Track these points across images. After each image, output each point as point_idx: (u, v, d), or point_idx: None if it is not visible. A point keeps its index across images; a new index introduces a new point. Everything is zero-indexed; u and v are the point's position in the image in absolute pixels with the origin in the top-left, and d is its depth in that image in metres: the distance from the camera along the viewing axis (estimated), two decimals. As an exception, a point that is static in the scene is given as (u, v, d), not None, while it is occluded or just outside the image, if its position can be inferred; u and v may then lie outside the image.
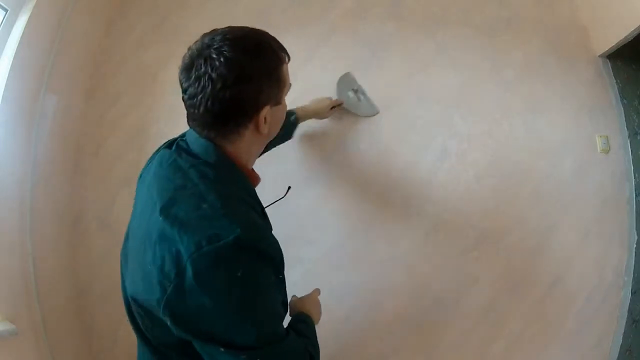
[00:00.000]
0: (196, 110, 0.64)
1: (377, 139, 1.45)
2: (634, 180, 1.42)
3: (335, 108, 1.39)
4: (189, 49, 0.66)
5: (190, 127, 0.70)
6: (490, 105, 1.45)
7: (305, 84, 1.42)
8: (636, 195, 1.42)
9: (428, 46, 1.48)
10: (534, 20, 1.49)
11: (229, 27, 0.67)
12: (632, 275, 1.38)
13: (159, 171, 0.69)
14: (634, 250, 1.39)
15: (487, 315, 1.38)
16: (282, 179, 1.41)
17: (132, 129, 1.49)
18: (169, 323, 0.59)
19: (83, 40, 1.46)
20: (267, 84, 0.67)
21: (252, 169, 0.78)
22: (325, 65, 1.48)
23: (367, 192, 1.44)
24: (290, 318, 0.84)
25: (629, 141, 1.44)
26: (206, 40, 0.65)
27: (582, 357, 1.37)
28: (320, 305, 0.95)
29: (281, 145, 1.26)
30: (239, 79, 0.62)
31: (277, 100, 0.71)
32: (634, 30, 1.25)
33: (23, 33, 1.17)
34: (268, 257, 0.63)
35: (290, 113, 1.23)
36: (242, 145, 0.69)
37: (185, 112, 0.68)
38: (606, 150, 1.44)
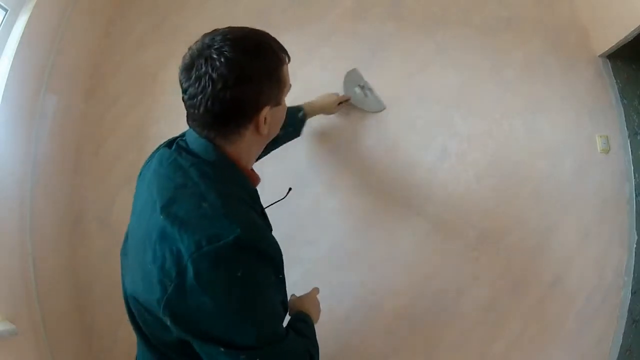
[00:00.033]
0: (196, 111, 0.64)
1: (377, 139, 1.45)
2: (634, 180, 1.42)
3: (343, 104, 1.39)
4: (189, 49, 0.66)
5: (190, 127, 0.70)
6: (490, 105, 1.45)
7: (305, 84, 1.42)
8: (636, 195, 1.42)
9: (428, 46, 1.48)
10: (534, 20, 1.49)
11: (229, 27, 0.67)
12: (632, 275, 1.38)
13: (159, 169, 0.69)
14: (634, 250, 1.39)
15: (487, 315, 1.38)
16: (281, 179, 1.41)
17: (132, 129, 1.49)
18: (168, 323, 0.59)
19: (83, 40, 1.46)
20: (267, 84, 0.67)
21: (252, 169, 0.78)
22: (325, 65, 1.48)
23: (367, 192, 1.44)
24: (289, 317, 0.83)
25: (629, 141, 1.44)
26: (207, 40, 0.65)
27: (582, 357, 1.37)
28: (319, 304, 0.95)
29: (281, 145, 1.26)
30: (239, 79, 0.62)
31: (277, 101, 0.71)
32: (634, 30, 1.25)
33: (23, 33, 1.17)
34: (268, 257, 0.63)
35: (298, 109, 1.23)
36: (242, 145, 0.69)
37: (185, 112, 0.68)
38: (606, 150, 1.44)
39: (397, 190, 1.43)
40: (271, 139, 0.76)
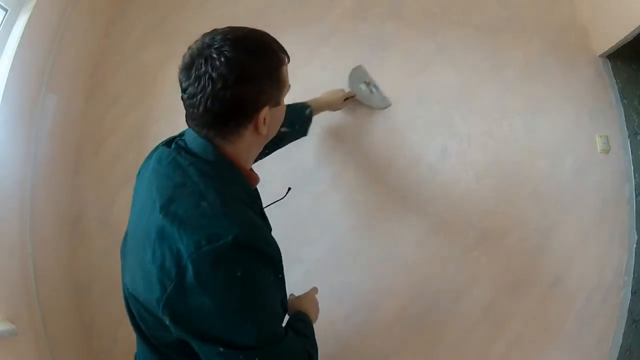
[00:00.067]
0: (195, 110, 0.64)
1: (377, 139, 1.45)
2: (634, 180, 1.42)
3: (349, 100, 1.39)
4: (189, 48, 0.66)
5: (189, 127, 0.70)
6: (490, 105, 1.45)
7: (305, 84, 1.41)
8: (636, 195, 1.42)
9: (428, 46, 1.48)
10: (534, 20, 1.49)
11: (229, 27, 0.67)
12: (632, 275, 1.38)
13: (158, 168, 0.69)
14: (634, 250, 1.39)
15: (487, 315, 1.38)
16: (281, 179, 1.41)
17: (132, 129, 1.49)
18: (167, 322, 0.59)
19: (83, 40, 1.46)
20: (267, 84, 0.67)
21: (251, 169, 0.78)
22: (325, 65, 1.48)
23: (367, 191, 1.44)
24: (288, 317, 0.83)
25: (629, 141, 1.44)
26: (207, 39, 0.65)
27: (582, 357, 1.37)
28: (317, 304, 0.94)
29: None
30: (239, 79, 0.62)
31: (277, 102, 0.71)
32: (634, 30, 1.25)
33: (23, 33, 1.17)
34: (267, 257, 0.63)
35: (305, 106, 1.22)
36: (241, 145, 0.69)
37: (185, 111, 0.68)
38: (606, 150, 1.44)
39: (397, 190, 1.43)
40: (270, 139, 0.76)
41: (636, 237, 1.40)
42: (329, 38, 1.50)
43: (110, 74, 1.52)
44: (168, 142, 0.75)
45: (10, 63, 1.14)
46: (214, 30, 0.67)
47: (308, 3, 1.52)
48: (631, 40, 1.31)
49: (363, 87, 1.44)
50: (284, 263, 0.68)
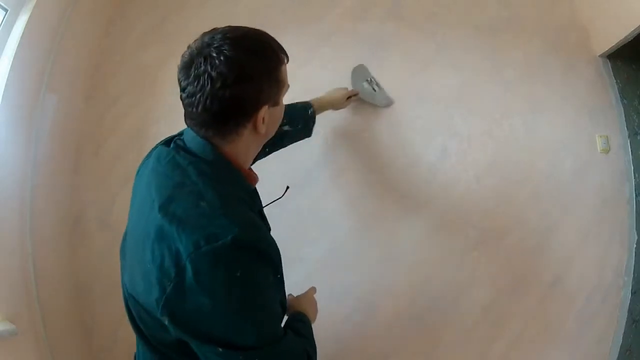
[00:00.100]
0: (194, 109, 0.64)
1: (377, 139, 1.45)
2: (634, 180, 1.42)
3: (352, 98, 1.38)
4: (189, 47, 0.66)
5: (188, 126, 0.70)
6: (490, 105, 1.45)
7: (305, 84, 1.41)
8: (636, 195, 1.42)
9: (428, 46, 1.48)
10: (534, 20, 1.49)
11: (228, 26, 0.67)
12: (632, 275, 1.38)
13: (157, 168, 0.69)
14: (634, 250, 1.39)
15: (487, 315, 1.38)
16: (281, 179, 1.40)
17: (132, 129, 1.49)
18: (166, 323, 0.59)
19: (83, 40, 1.46)
20: (267, 84, 0.67)
21: (250, 169, 0.78)
22: (325, 65, 1.48)
23: (367, 192, 1.44)
24: (286, 317, 0.83)
25: (629, 141, 1.44)
26: (206, 39, 0.64)
27: (582, 357, 1.37)
28: (316, 304, 0.94)
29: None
30: (239, 78, 0.62)
31: (276, 101, 0.71)
32: (634, 30, 1.25)
33: (23, 33, 1.17)
34: (266, 257, 0.63)
35: (307, 106, 1.21)
36: (240, 145, 0.69)
37: (184, 111, 0.68)
38: (606, 150, 1.44)
39: (397, 190, 1.43)
40: (269, 138, 0.76)
41: (636, 237, 1.40)
42: (329, 38, 1.50)
43: (110, 74, 1.52)
44: (167, 142, 0.75)
45: (10, 63, 1.14)
46: (214, 29, 0.67)
47: (308, 3, 1.52)
48: (631, 40, 1.31)
49: (365, 85, 1.43)
50: (283, 263, 0.68)
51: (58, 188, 1.40)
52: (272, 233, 0.72)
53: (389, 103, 1.45)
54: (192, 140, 0.69)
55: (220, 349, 0.58)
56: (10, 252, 1.16)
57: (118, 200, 1.45)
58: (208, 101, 0.62)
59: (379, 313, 1.39)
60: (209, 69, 0.61)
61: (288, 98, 0.76)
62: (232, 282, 0.58)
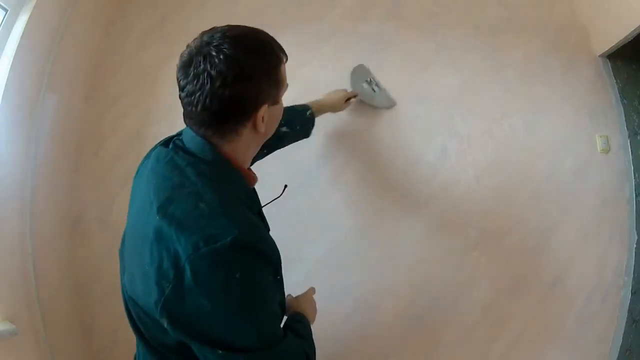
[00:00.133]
0: (194, 108, 0.63)
1: (377, 139, 1.45)
2: (634, 180, 1.42)
3: (351, 100, 1.37)
4: (188, 46, 0.65)
5: (187, 126, 0.69)
6: (490, 105, 1.45)
7: (305, 84, 1.41)
8: (636, 195, 1.42)
9: (428, 46, 1.48)
10: (534, 20, 1.49)
11: (227, 25, 0.67)
12: (632, 275, 1.38)
13: (156, 169, 0.69)
14: (634, 250, 1.39)
15: (487, 315, 1.38)
16: (281, 179, 1.40)
17: (132, 129, 1.49)
18: (165, 325, 0.59)
19: (83, 40, 1.46)
20: (266, 83, 0.67)
21: (249, 169, 0.78)
22: (325, 65, 1.48)
23: (367, 191, 1.44)
24: (285, 318, 0.83)
25: (629, 141, 1.44)
26: (205, 38, 0.64)
27: (582, 357, 1.37)
28: (315, 305, 0.94)
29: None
30: (238, 77, 0.62)
31: (275, 100, 0.71)
32: (634, 30, 1.25)
33: (23, 33, 1.17)
34: (266, 257, 0.63)
35: (305, 108, 1.21)
36: (239, 144, 0.69)
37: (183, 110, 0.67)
38: (606, 150, 1.44)
39: (397, 190, 1.43)
40: (268, 137, 0.76)
41: (636, 237, 1.39)
42: (329, 38, 1.50)
43: (110, 74, 1.52)
44: (166, 142, 0.74)
45: (10, 63, 1.14)
46: (213, 28, 0.66)
47: (308, 3, 1.52)
48: (631, 40, 1.31)
49: (365, 86, 1.43)
50: (283, 263, 0.68)
51: (58, 188, 1.40)
52: (271, 233, 0.72)
53: (390, 104, 1.44)
54: (192, 140, 0.68)
55: (221, 351, 0.58)
56: (10, 252, 1.16)
57: (118, 200, 1.45)
58: (208, 100, 0.62)
59: (379, 313, 1.39)
60: (209, 68, 0.61)
61: (288, 98, 0.76)
62: (231, 283, 0.57)
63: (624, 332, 1.36)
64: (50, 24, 1.29)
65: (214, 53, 0.62)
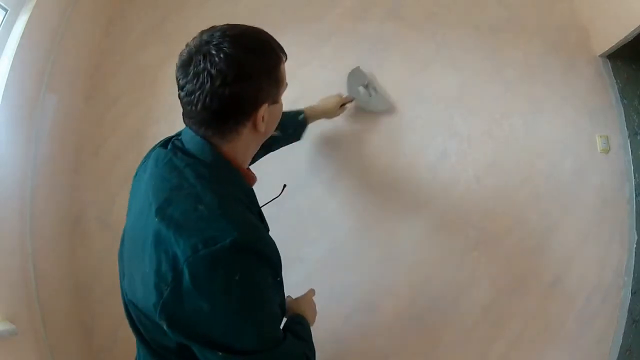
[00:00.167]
0: (193, 108, 0.63)
1: (377, 139, 1.45)
2: (634, 180, 1.42)
3: (346, 105, 1.37)
4: (187, 45, 0.65)
5: (186, 125, 0.69)
6: (490, 105, 1.45)
7: (305, 84, 1.42)
8: (636, 195, 1.42)
9: (428, 46, 1.48)
10: (534, 20, 1.49)
11: (227, 24, 0.67)
12: (632, 275, 1.38)
13: (155, 170, 0.68)
14: (634, 250, 1.39)
15: (487, 315, 1.38)
16: (281, 179, 1.40)
17: (132, 129, 1.49)
18: (164, 327, 0.58)
19: (83, 40, 1.46)
20: (266, 82, 0.66)
21: (249, 169, 0.77)
22: (325, 65, 1.48)
23: (367, 192, 1.44)
24: (285, 320, 0.82)
25: (629, 141, 1.44)
26: (205, 37, 0.64)
27: (582, 357, 1.37)
28: (315, 306, 0.94)
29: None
30: (238, 76, 0.62)
31: (275, 99, 0.71)
32: (634, 30, 1.25)
33: (23, 33, 1.17)
34: (265, 258, 0.62)
35: (298, 112, 1.22)
36: (239, 144, 0.69)
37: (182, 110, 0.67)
38: (606, 150, 1.44)
39: (397, 191, 1.43)
40: (268, 136, 0.76)
41: (636, 237, 1.40)
42: (329, 38, 1.49)
43: (110, 74, 1.52)
44: (164, 143, 0.74)
45: (10, 63, 1.14)
46: (212, 27, 0.66)
47: (308, 3, 1.52)
48: (631, 40, 1.31)
49: (361, 90, 1.41)
50: (283, 263, 0.68)
51: (58, 188, 1.40)
52: (271, 233, 0.72)
53: (387, 108, 1.43)
54: (191, 140, 0.68)
55: (221, 353, 0.58)
56: (10, 252, 1.16)
57: (118, 200, 1.45)
58: (208, 99, 0.61)
59: (379, 313, 1.38)
60: (209, 67, 0.61)
61: (288, 98, 0.76)
62: (230, 285, 0.57)
63: (624, 332, 1.36)
64: (50, 24, 1.29)
65: (214, 52, 0.61)
